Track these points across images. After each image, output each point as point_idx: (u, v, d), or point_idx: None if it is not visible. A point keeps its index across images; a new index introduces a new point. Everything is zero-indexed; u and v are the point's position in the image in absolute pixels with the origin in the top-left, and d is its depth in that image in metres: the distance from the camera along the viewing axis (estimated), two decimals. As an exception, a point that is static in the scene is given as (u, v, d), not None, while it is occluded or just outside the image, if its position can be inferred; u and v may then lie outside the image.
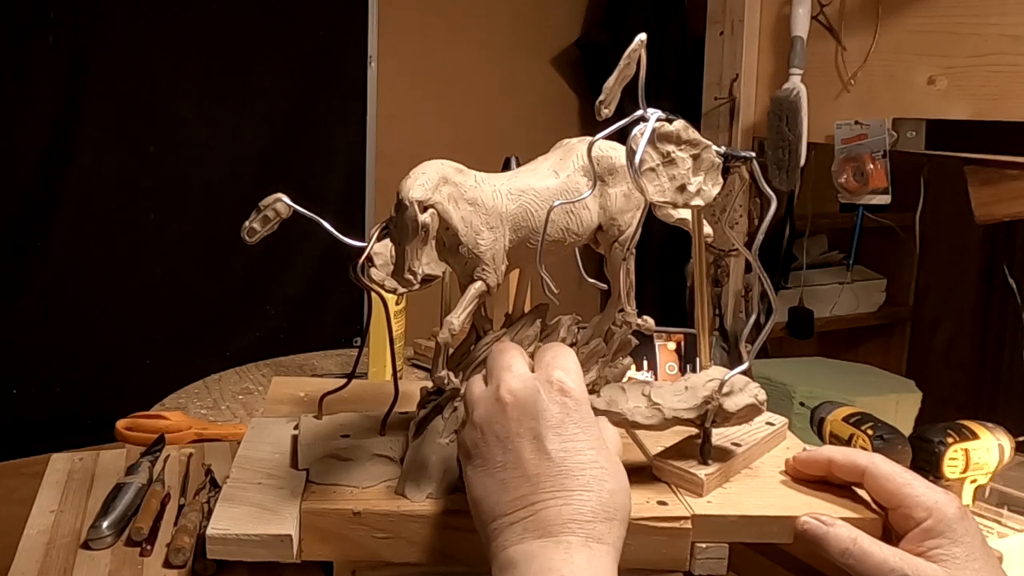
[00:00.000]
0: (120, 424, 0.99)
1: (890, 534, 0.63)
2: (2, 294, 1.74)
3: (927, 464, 0.98)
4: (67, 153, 1.77)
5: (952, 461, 0.93)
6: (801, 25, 1.62)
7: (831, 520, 0.60)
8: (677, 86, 2.33)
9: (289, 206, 0.61)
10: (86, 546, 0.66)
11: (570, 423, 0.54)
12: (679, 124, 0.63)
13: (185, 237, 1.92)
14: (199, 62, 1.89)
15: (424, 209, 0.58)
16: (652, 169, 0.63)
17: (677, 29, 2.38)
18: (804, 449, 0.71)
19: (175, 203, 1.91)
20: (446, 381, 0.63)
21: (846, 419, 1.06)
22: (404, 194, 0.58)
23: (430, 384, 0.68)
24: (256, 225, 0.61)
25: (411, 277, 0.59)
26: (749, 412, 0.68)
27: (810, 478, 0.68)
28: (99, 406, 1.66)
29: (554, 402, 0.54)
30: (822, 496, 0.66)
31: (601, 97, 0.61)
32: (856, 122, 1.54)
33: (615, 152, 0.67)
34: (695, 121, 1.87)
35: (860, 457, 0.64)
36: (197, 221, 1.91)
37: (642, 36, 0.59)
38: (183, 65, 1.87)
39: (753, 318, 0.79)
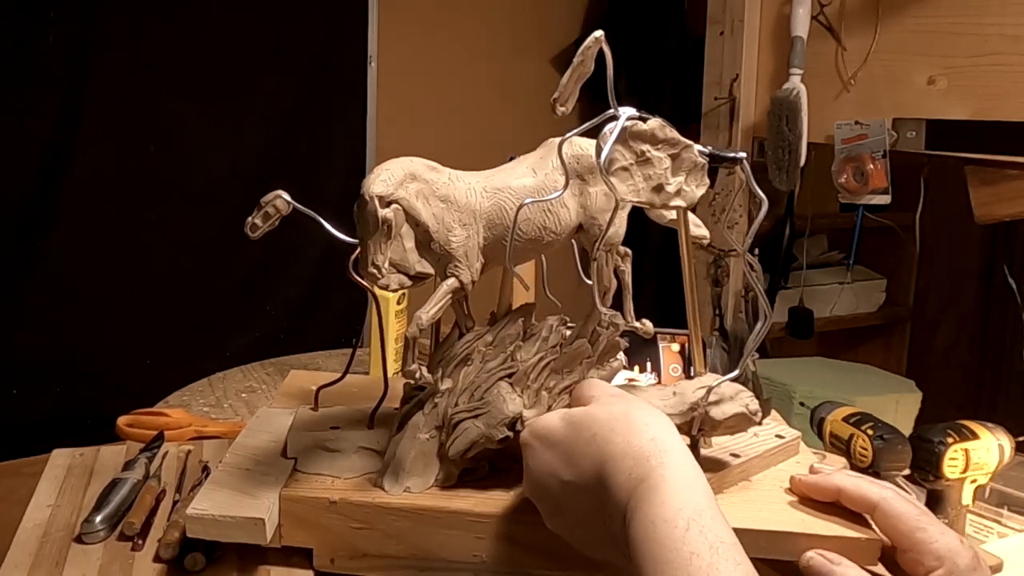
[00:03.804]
0: (121, 420, 0.99)
1: (895, 564, 0.60)
2: (3, 294, 1.74)
3: (927, 464, 0.98)
4: (67, 153, 1.77)
5: (952, 461, 0.93)
6: (801, 25, 1.62)
7: (838, 559, 0.58)
8: (677, 86, 2.33)
9: (288, 203, 0.63)
10: (79, 540, 0.66)
11: (561, 431, 0.57)
12: (654, 123, 0.62)
13: (185, 237, 1.92)
14: (199, 62, 1.89)
15: (387, 204, 0.59)
16: (625, 168, 0.62)
17: (677, 29, 2.38)
18: (812, 466, 0.69)
19: (175, 203, 1.91)
20: (417, 375, 0.64)
21: (846, 419, 1.06)
22: (364, 189, 0.59)
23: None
24: (258, 221, 0.63)
25: (375, 271, 0.60)
26: (739, 422, 0.66)
27: (823, 498, 0.65)
28: (99, 406, 1.65)
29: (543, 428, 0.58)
30: (817, 514, 0.64)
31: (555, 95, 0.60)
32: (856, 122, 1.54)
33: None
34: (695, 121, 1.87)
35: (871, 492, 0.60)
36: (197, 221, 1.91)
37: (597, 33, 0.59)
38: (183, 65, 1.88)
39: (759, 326, 0.77)
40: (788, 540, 0.62)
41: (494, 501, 0.64)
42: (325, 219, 0.65)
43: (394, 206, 0.59)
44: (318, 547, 0.64)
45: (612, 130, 0.59)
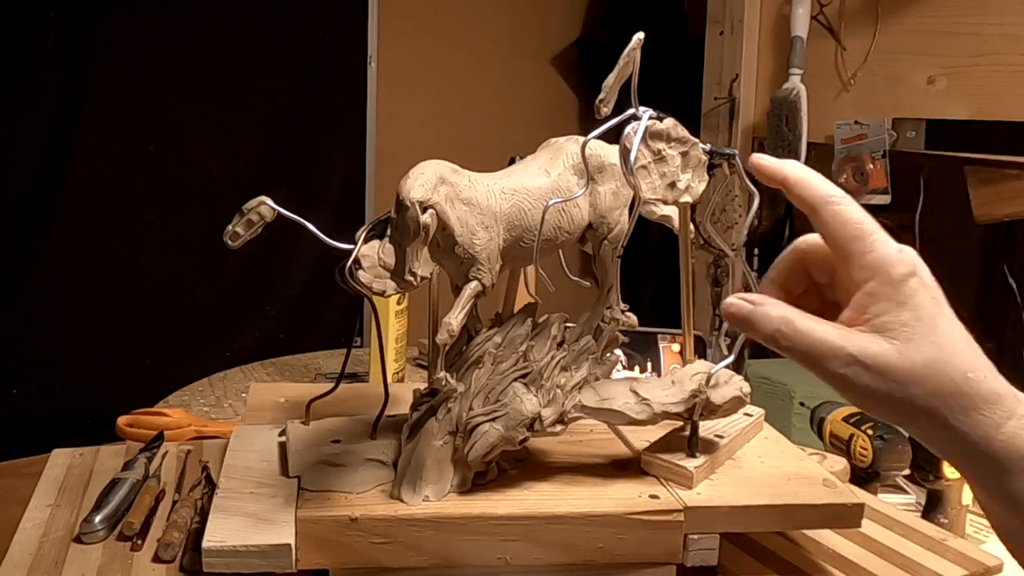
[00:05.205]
0: (121, 420, 0.99)
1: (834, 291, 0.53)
2: (2, 294, 1.74)
3: (927, 464, 0.98)
4: (67, 153, 1.77)
5: (951, 461, 0.93)
6: (801, 25, 1.62)
7: (759, 299, 0.50)
8: (677, 86, 2.33)
9: (273, 209, 0.60)
10: (79, 540, 0.66)
11: None
12: (669, 122, 0.63)
13: (185, 237, 1.92)
14: (199, 62, 1.89)
15: (424, 210, 0.58)
16: (644, 167, 0.64)
17: (677, 29, 2.38)
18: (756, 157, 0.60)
19: (175, 203, 1.91)
20: (444, 383, 0.63)
21: (846, 419, 1.06)
22: (404, 195, 0.57)
23: (423, 386, 0.68)
24: (239, 229, 0.60)
25: (411, 279, 0.59)
26: (735, 404, 0.69)
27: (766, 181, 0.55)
28: (99, 406, 1.66)
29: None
30: (807, 486, 0.67)
31: (601, 96, 0.61)
32: (856, 122, 1.55)
33: (604, 150, 0.67)
34: (695, 121, 1.87)
35: (815, 192, 0.50)
36: (197, 221, 1.91)
37: (640, 35, 0.59)
38: (183, 65, 1.88)
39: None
40: (784, 512, 0.65)
41: (515, 502, 0.64)
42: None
43: (430, 211, 0.58)
44: (336, 567, 0.62)
45: (635, 130, 0.60)
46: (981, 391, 0.46)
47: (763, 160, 0.53)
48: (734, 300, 0.50)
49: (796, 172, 0.52)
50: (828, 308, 0.50)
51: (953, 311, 0.49)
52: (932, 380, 0.46)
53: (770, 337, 0.49)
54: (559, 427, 0.67)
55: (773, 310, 0.49)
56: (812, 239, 0.53)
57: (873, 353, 0.46)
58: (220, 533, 0.59)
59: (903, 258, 0.49)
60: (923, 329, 0.47)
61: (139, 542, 0.66)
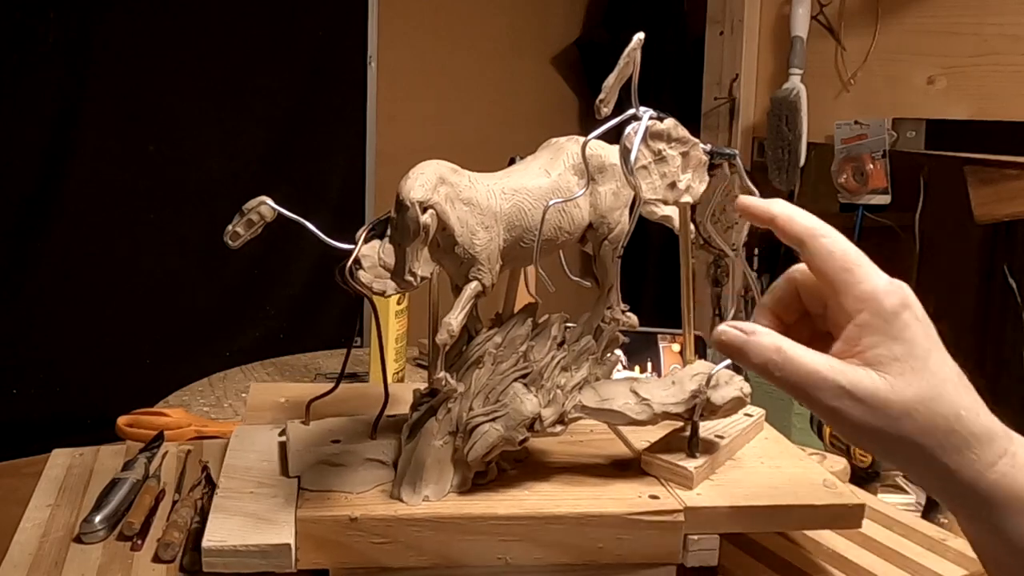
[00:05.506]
0: (121, 420, 0.99)
1: (825, 321, 0.53)
2: (2, 294, 1.74)
3: (926, 464, 0.98)
4: (67, 153, 1.77)
5: (951, 460, 0.93)
6: (801, 25, 1.62)
7: (751, 328, 0.49)
8: (677, 86, 2.33)
9: (274, 209, 0.60)
10: (78, 540, 0.66)
11: None
12: (670, 122, 0.64)
13: (185, 237, 1.92)
14: (199, 62, 1.89)
15: (424, 210, 0.58)
16: (644, 167, 0.64)
17: (677, 29, 2.39)
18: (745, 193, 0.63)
19: (175, 203, 1.91)
20: (444, 383, 0.63)
21: (845, 419, 1.05)
22: (405, 195, 0.57)
23: (423, 386, 0.68)
24: (240, 229, 0.60)
25: (411, 279, 0.59)
26: (735, 405, 0.69)
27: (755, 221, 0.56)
28: (99, 406, 1.66)
29: None
30: (807, 485, 0.67)
31: (601, 96, 0.61)
32: (856, 122, 1.55)
33: (604, 151, 0.67)
34: (695, 121, 1.87)
35: (800, 227, 0.51)
36: (197, 221, 1.91)
37: (640, 35, 0.60)
38: (183, 65, 1.88)
39: (731, 313, 0.80)
40: (784, 513, 0.65)
41: (515, 502, 0.64)
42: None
43: (430, 211, 0.58)
44: (336, 567, 0.62)
45: (636, 130, 0.60)
46: (973, 430, 0.45)
47: (750, 201, 0.54)
48: (727, 329, 0.49)
49: (783, 210, 0.52)
50: (819, 338, 0.50)
51: (946, 348, 0.48)
52: (923, 417, 0.45)
53: (762, 367, 0.48)
54: (559, 427, 0.67)
55: (765, 339, 0.48)
56: (807, 268, 0.52)
57: (864, 387, 0.46)
58: (220, 533, 0.60)
59: (895, 290, 0.48)
60: (915, 364, 0.46)
61: (139, 542, 0.66)
